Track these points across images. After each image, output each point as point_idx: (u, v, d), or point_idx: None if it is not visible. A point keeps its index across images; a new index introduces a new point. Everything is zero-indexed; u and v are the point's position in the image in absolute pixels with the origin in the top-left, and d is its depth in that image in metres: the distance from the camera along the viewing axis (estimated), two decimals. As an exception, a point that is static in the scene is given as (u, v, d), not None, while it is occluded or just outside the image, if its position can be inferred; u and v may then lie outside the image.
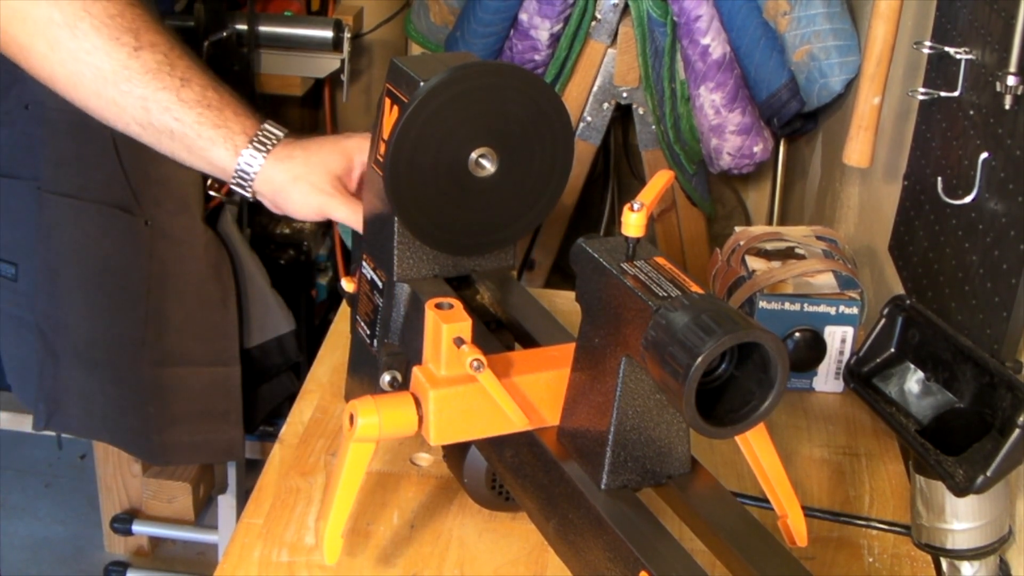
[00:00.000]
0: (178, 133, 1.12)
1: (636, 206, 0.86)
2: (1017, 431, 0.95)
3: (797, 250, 1.36)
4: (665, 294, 0.81)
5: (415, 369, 0.93)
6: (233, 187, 1.15)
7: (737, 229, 1.45)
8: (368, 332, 1.12)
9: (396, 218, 1.05)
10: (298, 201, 1.14)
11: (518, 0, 1.93)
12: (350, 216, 1.13)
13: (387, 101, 1.04)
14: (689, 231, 2.19)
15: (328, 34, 2.01)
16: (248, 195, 1.16)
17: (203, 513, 2.37)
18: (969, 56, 1.14)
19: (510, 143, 1.05)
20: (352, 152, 1.14)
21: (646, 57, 1.95)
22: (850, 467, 1.19)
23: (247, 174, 1.13)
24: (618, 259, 0.87)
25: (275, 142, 1.14)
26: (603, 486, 0.88)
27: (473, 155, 1.05)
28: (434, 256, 1.09)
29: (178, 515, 2.32)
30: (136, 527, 2.29)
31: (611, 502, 0.87)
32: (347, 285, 1.18)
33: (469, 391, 0.91)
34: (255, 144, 1.13)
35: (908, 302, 1.12)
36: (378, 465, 1.14)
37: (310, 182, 1.13)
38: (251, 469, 2.17)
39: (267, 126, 1.15)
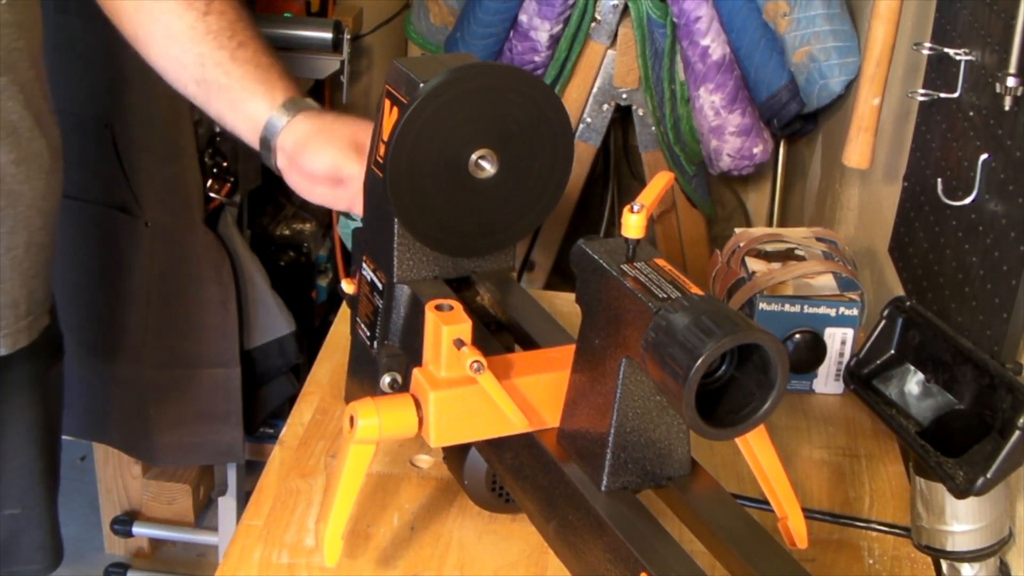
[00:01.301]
0: (225, 86, 1.17)
1: (636, 207, 0.86)
2: (1017, 433, 0.95)
3: (797, 251, 1.36)
4: (665, 295, 0.81)
5: (415, 371, 0.93)
6: (258, 148, 1.18)
7: (737, 230, 1.45)
8: (368, 334, 1.12)
9: (396, 219, 1.05)
10: (314, 151, 1.15)
11: (518, 1, 1.93)
12: (359, 175, 1.12)
13: (387, 102, 1.04)
14: (689, 232, 2.19)
15: (328, 35, 2.01)
16: (269, 158, 1.18)
17: (203, 515, 2.37)
18: (969, 57, 1.14)
19: (510, 144, 1.05)
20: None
21: (646, 58, 1.95)
22: (850, 469, 1.19)
23: (275, 128, 1.16)
24: (618, 260, 0.87)
25: (308, 108, 1.17)
26: (603, 488, 0.88)
27: (473, 156, 1.05)
28: (434, 257, 1.09)
29: (178, 517, 2.32)
30: (136, 529, 2.28)
31: (611, 504, 0.87)
32: (347, 287, 1.18)
33: (469, 393, 0.91)
34: (289, 104, 1.16)
35: (908, 303, 1.12)
36: (378, 467, 1.14)
37: (328, 136, 1.14)
38: (251, 471, 2.17)
39: (307, 99, 1.18)
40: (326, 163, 1.14)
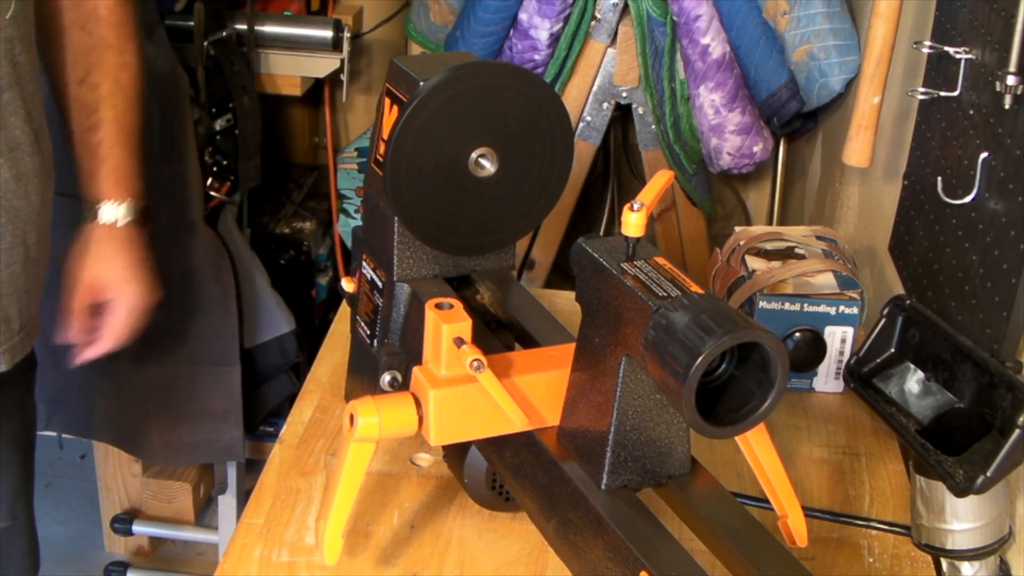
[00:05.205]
0: (71, 144, 1.26)
1: (636, 206, 0.86)
2: (1017, 431, 0.95)
3: (797, 250, 1.36)
4: (665, 294, 0.81)
5: (415, 369, 0.93)
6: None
7: (737, 229, 1.45)
8: (368, 332, 1.12)
9: (396, 218, 1.05)
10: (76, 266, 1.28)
11: (518, 0, 1.93)
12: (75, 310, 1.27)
13: (387, 101, 1.04)
14: (689, 231, 2.19)
15: (328, 34, 2.01)
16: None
17: (203, 513, 2.37)
18: (969, 56, 1.14)
19: (510, 143, 1.05)
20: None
21: (646, 57, 1.95)
22: (850, 467, 1.19)
23: (88, 213, 1.28)
24: (618, 259, 0.87)
25: (96, 219, 1.27)
26: (603, 486, 0.88)
27: (473, 155, 1.05)
28: (434, 256, 1.09)
29: (178, 515, 2.31)
30: (136, 527, 2.28)
31: (611, 502, 0.87)
32: (347, 285, 1.18)
33: (469, 391, 0.91)
34: (99, 207, 1.27)
35: (908, 302, 1.12)
36: (378, 465, 1.14)
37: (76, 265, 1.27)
38: (251, 469, 2.17)
39: (125, 204, 1.28)
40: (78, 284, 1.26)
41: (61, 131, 1.73)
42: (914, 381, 1.10)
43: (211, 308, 1.85)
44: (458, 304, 0.93)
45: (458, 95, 1.01)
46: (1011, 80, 1.03)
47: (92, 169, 1.25)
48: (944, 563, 1.07)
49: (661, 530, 0.85)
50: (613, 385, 0.85)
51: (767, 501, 0.93)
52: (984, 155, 1.09)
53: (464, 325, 0.91)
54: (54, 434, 2.06)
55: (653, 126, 2.04)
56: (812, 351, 1.29)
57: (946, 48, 1.17)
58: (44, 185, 1.18)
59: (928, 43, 1.21)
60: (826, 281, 1.30)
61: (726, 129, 1.94)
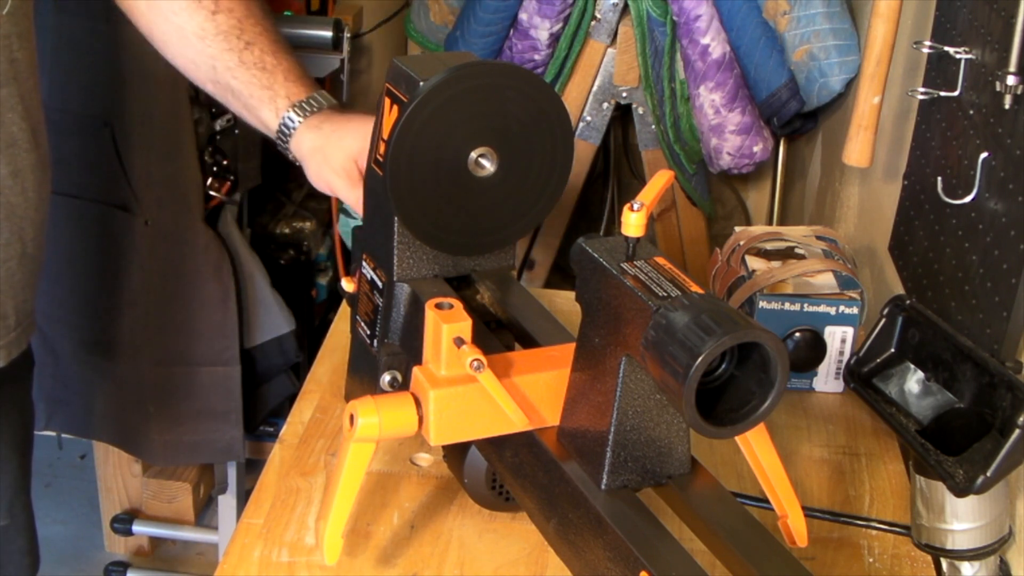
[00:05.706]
0: (236, 91, 1.19)
1: (636, 206, 0.86)
2: (1017, 431, 0.95)
3: (797, 250, 1.36)
4: (665, 294, 0.81)
5: (415, 369, 0.93)
6: (280, 149, 1.20)
7: (737, 229, 1.45)
8: (368, 332, 1.12)
9: (396, 218, 1.05)
10: (312, 172, 1.18)
11: (518, 0, 1.93)
12: (352, 200, 1.15)
13: (387, 101, 1.04)
14: (689, 231, 2.19)
15: (328, 34, 2.01)
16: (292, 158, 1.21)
17: (203, 513, 2.37)
18: (969, 56, 1.14)
19: (510, 143, 1.05)
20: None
21: (646, 57, 1.95)
22: (850, 467, 1.19)
23: (285, 135, 1.18)
24: (618, 259, 0.87)
25: (316, 110, 1.18)
26: (603, 486, 0.88)
27: (473, 155, 1.05)
28: (434, 256, 1.09)
29: (178, 515, 2.32)
30: (136, 527, 2.28)
31: (611, 502, 0.87)
32: (347, 285, 1.18)
33: (469, 391, 0.91)
34: (296, 108, 1.18)
35: (908, 302, 1.12)
36: (378, 465, 1.14)
37: (325, 155, 1.17)
38: (251, 469, 2.17)
39: (316, 94, 1.19)
40: (323, 184, 1.17)
41: (59, 131, 1.73)
42: (914, 381, 1.10)
43: (211, 308, 1.85)
44: (458, 304, 0.93)
45: (458, 95, 1.01)
46: (1011, 80, 1.03)
47: (268, 83, 1.19)
48: (944, 563, 1.07)
49: (661, 530, 0.85)
50: (613, 385, 0.85)
51: (767, 501, 0.92)
52: (984, 155, 1.09)
53: (464, 325, 0.91)
54: (54, 434, 2.06)
55: (653, 126, 2.04)
56: (812, 351, 1.29)
57: (946, 48, 1.17)
58: (41, 182, 1.18)
59: (928, 43, 1.22)
60: (826, 281, 1.30)
61: (726, 129, 1.94)
